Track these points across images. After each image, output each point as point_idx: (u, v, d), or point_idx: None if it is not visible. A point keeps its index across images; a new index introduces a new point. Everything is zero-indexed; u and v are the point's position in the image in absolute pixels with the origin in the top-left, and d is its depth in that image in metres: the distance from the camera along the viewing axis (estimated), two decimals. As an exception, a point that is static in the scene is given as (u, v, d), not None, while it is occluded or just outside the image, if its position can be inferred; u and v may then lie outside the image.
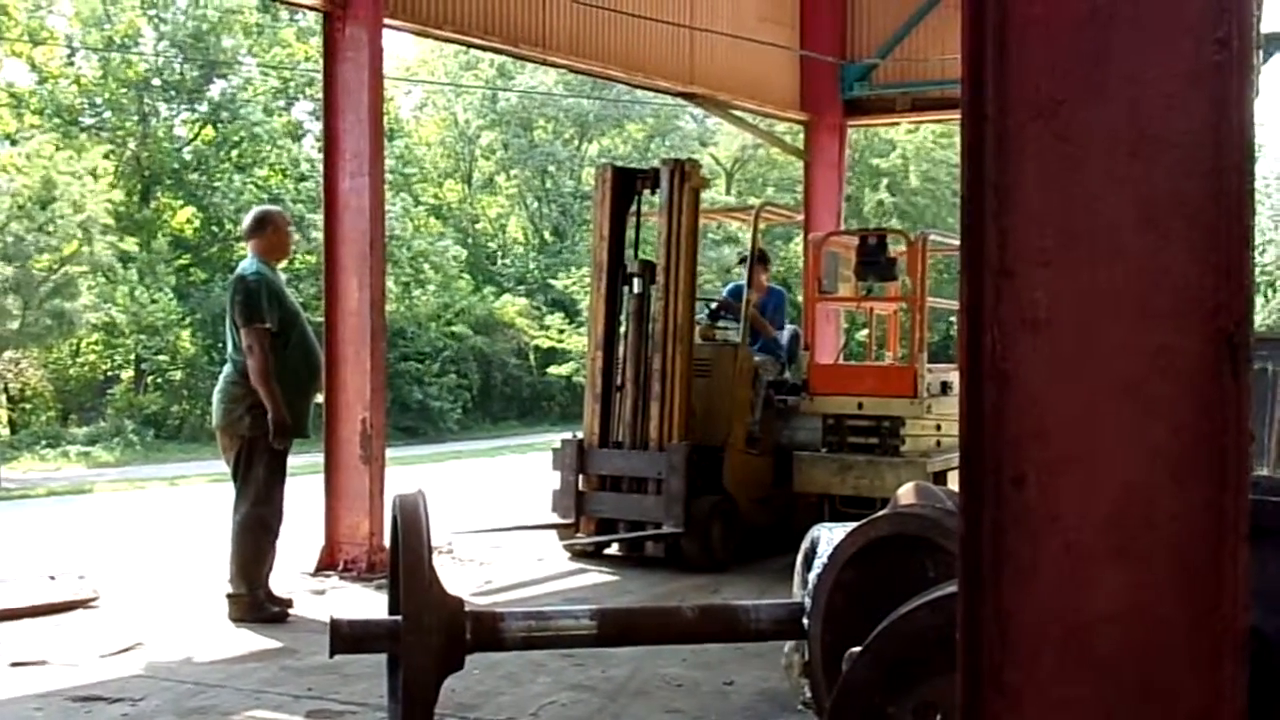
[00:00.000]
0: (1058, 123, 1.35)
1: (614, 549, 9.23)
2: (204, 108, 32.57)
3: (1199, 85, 1.34)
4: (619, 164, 9.77)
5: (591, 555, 9.18)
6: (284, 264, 8.80)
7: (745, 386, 9.24)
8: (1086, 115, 1.34)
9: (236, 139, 32.54)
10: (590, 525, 9.19)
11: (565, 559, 9.15)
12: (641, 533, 8.91)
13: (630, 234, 9.45)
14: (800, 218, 13.10)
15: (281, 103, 34.11)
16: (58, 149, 26.33)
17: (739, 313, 9.69)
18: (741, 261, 10.92)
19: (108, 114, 31.54)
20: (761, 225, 10.27)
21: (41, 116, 29.73)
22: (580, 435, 9.26)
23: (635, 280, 9.14)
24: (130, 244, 29.72)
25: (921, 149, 36.87)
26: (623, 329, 9.30)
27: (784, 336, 10.30)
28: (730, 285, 10.81)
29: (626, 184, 9.35)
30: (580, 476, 9.12)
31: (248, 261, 7.36)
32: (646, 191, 9.34)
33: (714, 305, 10.21)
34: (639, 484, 8.98)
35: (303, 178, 31.67)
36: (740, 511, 8.98)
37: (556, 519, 9.26)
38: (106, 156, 29.36)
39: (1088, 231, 1.36)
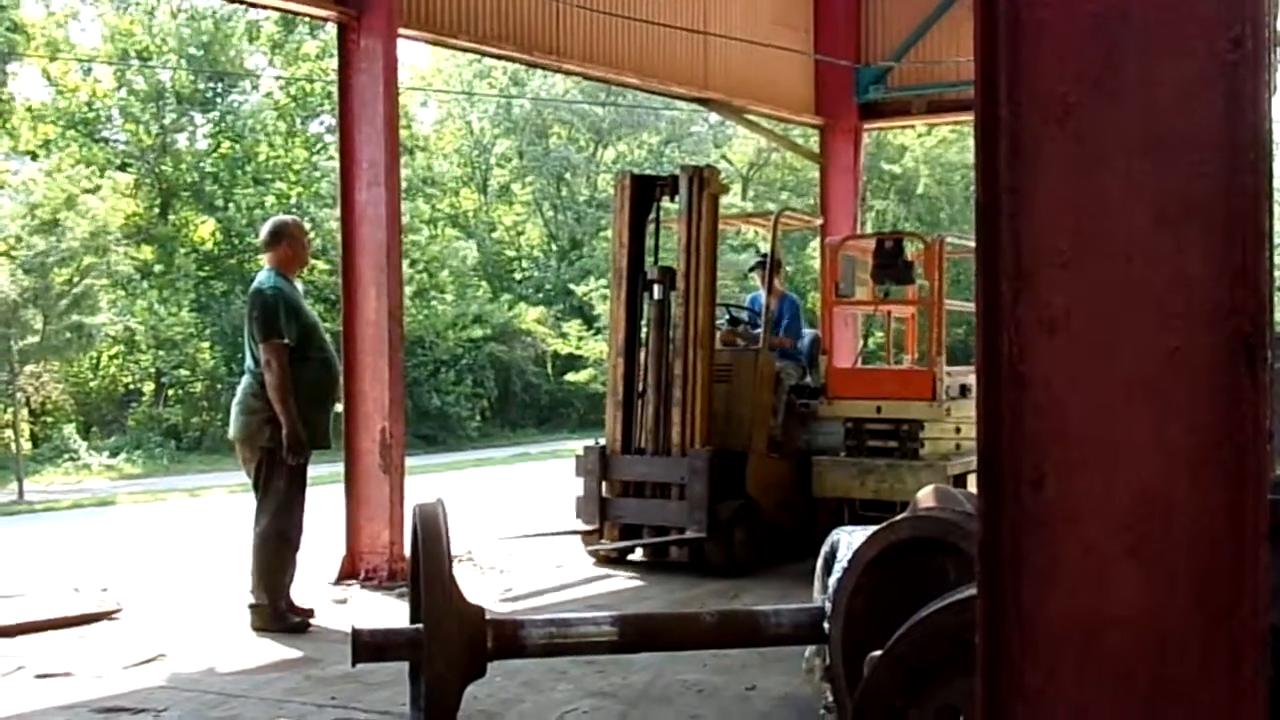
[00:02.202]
0: (1071, 125, 1.35)
1: (638, 554, 9.24)
2: (222, 121, 32.71)
3: (1213, 85, 1.34)
4: (637, 171, 9.78)
5: (615, 561, 9.19)
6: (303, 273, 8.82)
7: (767, 391, 9.24)
8: (1100, 117, 1.35)
9: (255, 152, 32.67)
10: (614, 531, 9.20)
11: (586, 565, 9.16)
12: (665, 538, 8.92)
13: (650, 241, 9.47)
14: (819, 222, 13.10)
15: (302, 115, 34.26)
16: (74, 164, 26.48)
17: (755, 322, 9.70)
18: (753, 269, 10.93)
19: (120, 123, 31.73)
20: (780, 230, 10.29)
21: (57, 128, 29.92)
22: (603, 441, 9.28)
23: (655, 287, 9.16)
24: (149, 257, 29.89)
25: (932, 152, 36.81)
26: (644, 335, 9.32)
27: (805, 341, 10.30)
28: (751, 296, 10.83)
29: (645, 191, 9.37)
30: (603, 482, 9.14)
31: (264, 274, 7.36)
32: (666, 198, 9.37)
33: (732, 313, 10.23)
34: (662, 489, 8.99)
35: (317, 194, 31.79)
36: (763, 515, 8.98)
37: (580, 525, 9.28)
38: (122, 168, 29.51)
39: (1103, 233, 1.36)
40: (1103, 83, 1.34)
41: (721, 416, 9.09)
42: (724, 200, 10.31)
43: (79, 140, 29.97)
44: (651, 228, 9.49)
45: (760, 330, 9.54)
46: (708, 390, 8.90)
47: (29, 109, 29.91)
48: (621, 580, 8.67)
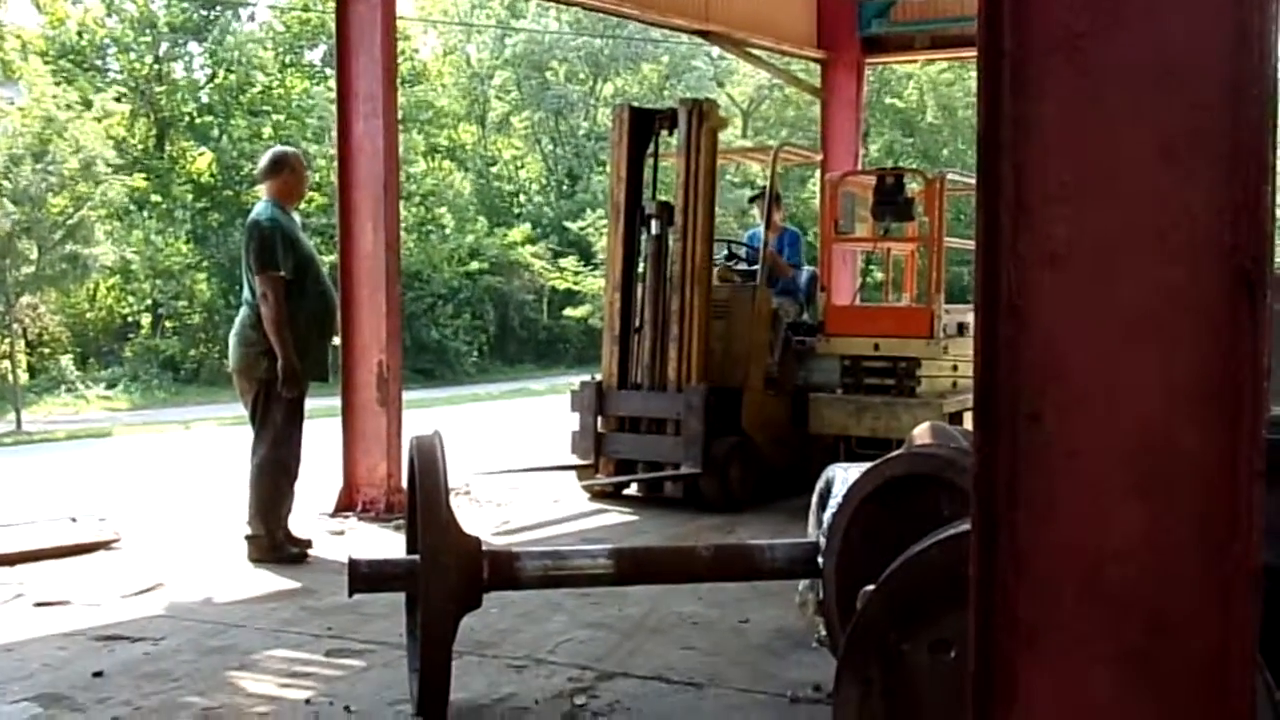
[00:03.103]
0: (1077, 56, 1.33)
1: (633, 489, 9.28)
2: (217, 51, 32.41)
3: (1220, 17, 1.32)
4: (636, 104, 9.69)
5: (610, 496, 9.23)
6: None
7: (764, 328, 9.23)
8: (1106, 48, 1.33)
9: (251, 83, 32.40)
10: (609, 466, 9.23)
11: (583, 500, 9.20)
12: (660, 473, 8.95)
13: (648, 175, 9.41)
14: (819, 158, 13.03)
15: (299, 46, 33.95)
16: (55, 83, 26.18)
17: (751, 258, 9.66)
18: (752, 200, 10.87)
19: (114, 52, 31.43)
20: (780, 166, 10.22)
21: (47, 59, 29.62)
22: (599, 377, 9.28)
23: (653, 222, 9.10)
24: (145, 187, 29.71)
25: (939, 78, 36.52)
26: (641, 270, 9.29)
27: (802, 277, 10.27)
28: (751, 231, 10.78)
29: (644, 125, 9.29)
30: (599, 418, 9.15)
31: (262, 206, 7.32)
32: (664, 132, 9.28)
33: (730, 248, 10.19)
34: (657, 425, 9.00)
35: (303, 125, 31.55)
36: (758, 452, 9.00)
37: (576, 460, 9.31)
38: (119, 99, 29.24)
39: (1107, 166, 1.35)
40: (1108, 13, 1.32)
41: (718, 353, 9.08)
42: (725, 136, 10.24)
43: (69, 72, 29.67)
44: (650, 162, 9.42)
45: (757, 266, 9.50)
46: (704, 326, 8.89)
47: (19, 37, 29.60)
48: (617, 515, 8.71)
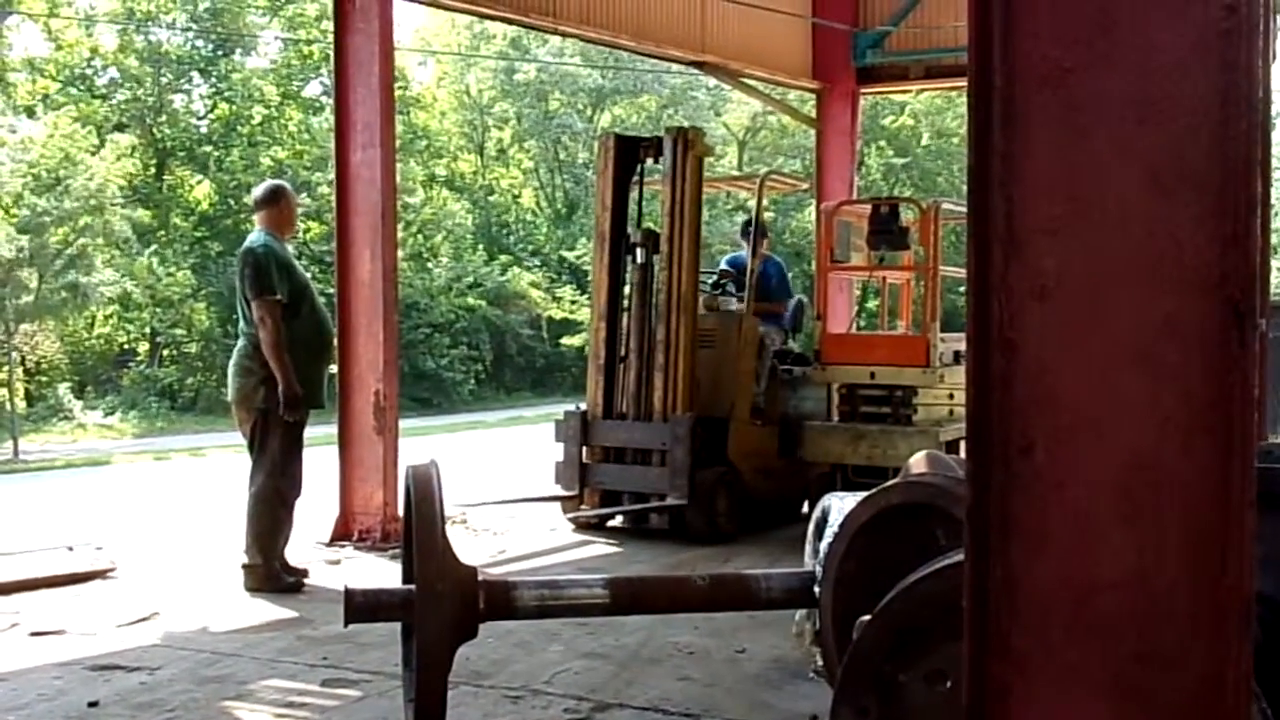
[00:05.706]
0: (1065, 91, 1.35)
1: (618, 521, 9.21)
2: (223, 82, 32.52)
3: (1207, 52, 1.33)
4: (621, 132, 9.67)
5: (595, 527, 9.15)
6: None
7: (750, 357, 9.19)
8: (1094, 83, 1.34)
9: (251, 115, 32.49)
10: (594, 497, 9.14)
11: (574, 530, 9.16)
12: (645, 505, 8.88)
13: (634, 204, 9.39)
14: (805, 185, 13.04)
15: (301, 79, 34.07)
16: (74, 120, 26.35)
17: (740, 283, 9.65)
18: (744, 234, 10.86)
19: (120, 82, 31.55)
20: (767, 194, 10.21)
21: (56, 83, 29.72)
22: (584, 406, 9.22)
23: (639, 250, 9.06)
24: (145, 217, 29.78)
25: (933, 105, 36.66)
26: (626, 299, 9.25)
27: (789, 306, 10.25)
28: (727, 257, 10.74)
29: (629, 152, 9.25)
30: (584, 448, 9.08)
31: (255, 234, 7.36)
32: (650, 160, 9.26)
33: (716, 275, 10.16)
34: (643, 455, 8.91)
35: (301, 154, 31.63)
36: (745, 482, 8.94)
37: (560, 491, 9.24)
38: (119, 128, 29.34)
39: (1095, 199, 1.36)
40: (1096, 48, 1.34)
41: (704, 382, 9.00)
42: (721, 164, 10.25)
43: (76, 98, 29.76)
44: (636, 191, 9.38)
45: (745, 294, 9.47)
46: (690, 355, 8.82)
47: (30, 62, 29.72)
48: (610, 546, 8.68)
